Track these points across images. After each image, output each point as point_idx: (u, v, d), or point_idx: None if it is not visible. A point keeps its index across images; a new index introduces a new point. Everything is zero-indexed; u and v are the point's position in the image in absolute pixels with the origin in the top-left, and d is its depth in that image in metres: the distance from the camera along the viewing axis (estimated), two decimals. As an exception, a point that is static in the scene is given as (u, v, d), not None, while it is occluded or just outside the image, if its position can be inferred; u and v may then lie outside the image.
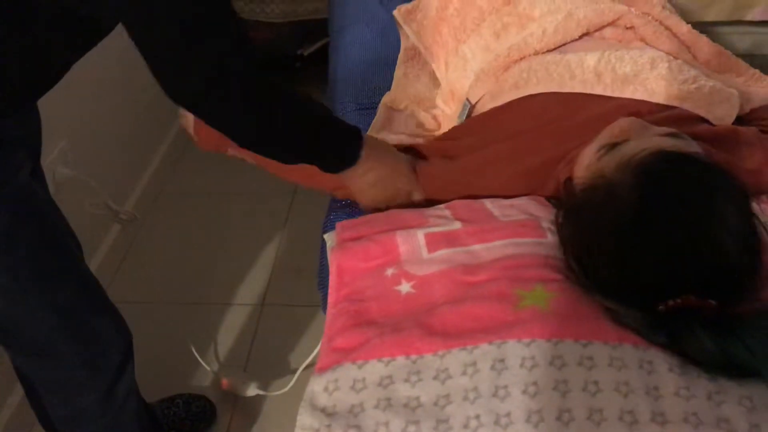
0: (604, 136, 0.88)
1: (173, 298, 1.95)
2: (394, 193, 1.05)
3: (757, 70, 1.28)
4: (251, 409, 1.65)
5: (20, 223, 0.98)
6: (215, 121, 0.92)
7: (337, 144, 1.01)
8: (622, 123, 0.87)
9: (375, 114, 1.40)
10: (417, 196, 1.06)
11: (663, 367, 0.69)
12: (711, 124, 1.03)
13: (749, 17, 2.37)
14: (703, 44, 1.25)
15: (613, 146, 0.84)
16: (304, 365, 1.42)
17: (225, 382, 1.63)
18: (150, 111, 2.16)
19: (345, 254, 0.89)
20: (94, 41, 0.99)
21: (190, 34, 0.81)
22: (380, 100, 1.45)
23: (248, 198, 2.17)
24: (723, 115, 1.03)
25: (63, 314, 1.07)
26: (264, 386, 1.63)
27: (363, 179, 1.03)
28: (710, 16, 2.33)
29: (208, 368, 1.69)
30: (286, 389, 1.49)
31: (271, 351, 1.79)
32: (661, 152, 0.78)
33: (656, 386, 0.67)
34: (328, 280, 1.19)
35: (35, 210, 1.02)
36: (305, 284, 1.96)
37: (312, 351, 1.43)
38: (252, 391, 1.61)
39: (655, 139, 0.82)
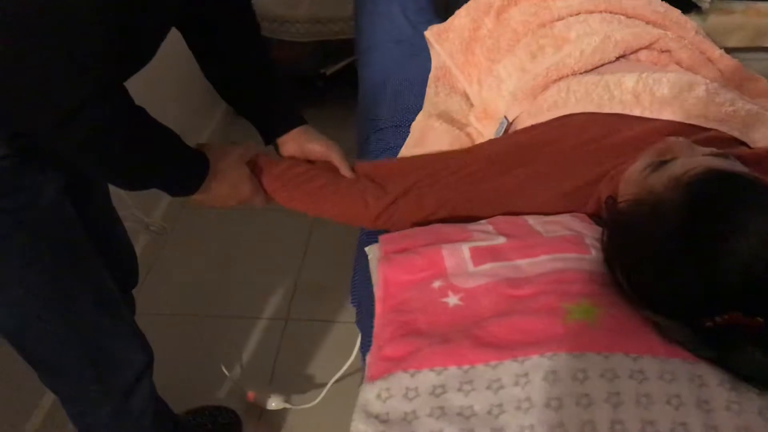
0: (651, 154, 0.90)
1: (198, 311, 1.97)
2: (232, 202, 1.11)
3: (788, 96, 1.29)
4: (276, 422, 1.66)
5: (41, 242, 0.99)
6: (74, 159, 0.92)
7: (185, 173, 1.03)
8: (669, 142, 0.89)
9: (407, 131, 1.43)
10: (257, 201, 1.13)
11: (713, 381, 0.70)
12: (747, 146, 1.04)
13: (771, 44, 2.41)
14: (736, 69, 1.27)
15: (660, 164, 0.86)
16: (333, 380, 1.44)
17: (251, 394, 1.64)
18: (176, 124, 2.20)
19: (391, 266, 0.90)
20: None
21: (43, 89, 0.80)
22: (411, 117, 1.47)
23: (272, 213, 2.20)
24: (760, 137, 1.05)
25: (77, 333, 1.09)
26: (288, 399, 1.65)
27: (203, 195, 1.06)
28: (732, 42, 2.36)
29: (233, 381, 1.70)
30: (315, 402, 1.50)
31: (296, 365, 1.81)
32: (711, 171, 0.79)
33: (707, 400, 0.68)
34: (362, 294, 1.21)
35: (59, 229, 1.02)
36: (328, 300, 1.99)
37: (337, 365, 1.44)
38: (278, 404, 1.62)
39: (704, 159, 0.83)
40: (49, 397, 1.58)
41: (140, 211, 1.77)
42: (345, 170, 1.15)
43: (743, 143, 1.05)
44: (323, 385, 1.71)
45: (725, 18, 2.42)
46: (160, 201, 2.20)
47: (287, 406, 1.62)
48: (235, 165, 1.09)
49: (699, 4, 2.41)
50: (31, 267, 1.00)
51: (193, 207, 1.10)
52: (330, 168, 1.16)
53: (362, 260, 1.23)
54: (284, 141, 1.18)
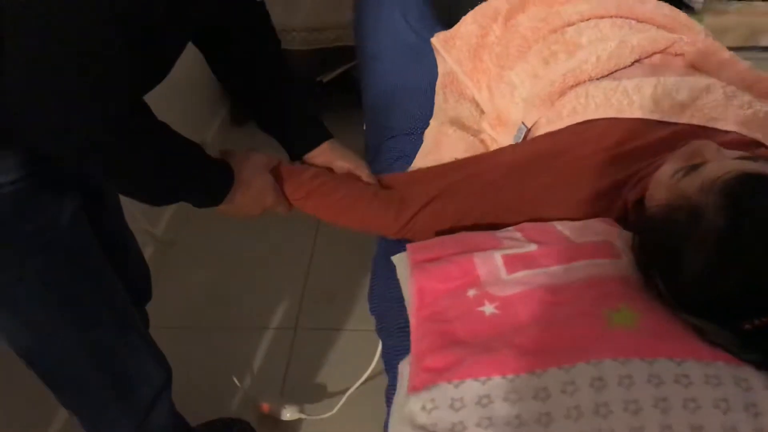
0: (679, 158, 0.90)
1: (205, 322, 1.96)
2: (257, 211, 1.10)
3: (796, 96, 1.31)
4: (290, 433, 1.66)
5: (59, 263, 0.98)
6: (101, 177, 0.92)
7: (211, 185, 1.02)
8: (697, 145, 0.89)
9: (419, 139, 1.43)
10: (281, 209, 1.13)
11: (758, 384, 0.70)
12: (767, 147, 1.05)
13: (764, 43, 2.44)
14: (747, 71, 1.28)
15: (691, 168, 0.86)
16: (353, 389, 1.43)
17: (266, 406, 1.63)
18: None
19: (424, 275, 0.90)
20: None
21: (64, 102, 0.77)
22: (422, 124, 1.47)
23: (276, 221, 2.20)
24: (780, 138, 1.06)
25: (95, 353, 1.08)
26: (302, 410, 1.64)
27: (228, 205, 1.05)
28: (726, 42, 2.38)
29: (245, 392, 1.69)
30: (332, 413, 1.49)
31: (307, 375, 1.80)
32: (745, 174, 0.80)
33: (754, 403, 0.69)
34: (382, 302, 1.21)
35: (78, 249, 1.01)
36: (336, 307, 1.98)
37: (349, 374, 1.44)
38: (293, 414, 1.61)
39: (735, 162, 0.84)
40: (63, 414, 1.56)
41: (147, 222, 1.75)
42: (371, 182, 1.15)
43: (762, 145, 1.06)
44: (336, 394, 1.71)
45: (719, 18, 2.44)
46: (164, 211, 2.19)
47: (303, 416, 1.61)
48: (259, 173, 1.09)
49: (691, 5, 2.43)
50: (50, 288, 0.99)
51: (220, 216, 1.09)
52: (352, 177, 1.16)
53: (381, 268, 1.23)
54: (312, 157, 1.17)
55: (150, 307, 1.42)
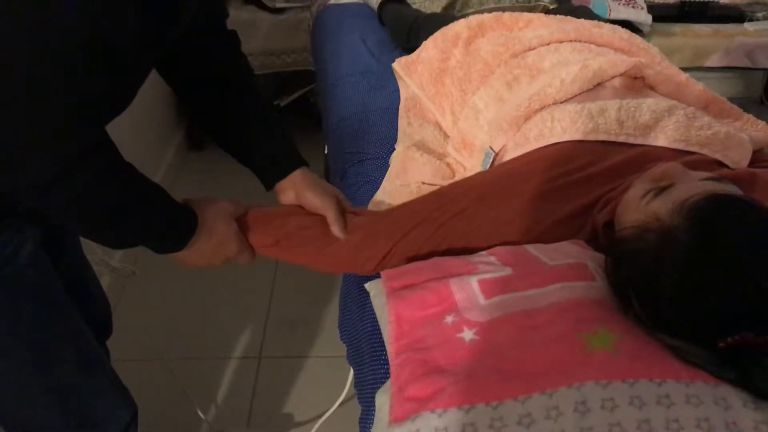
0: (647, 180, 0.92)
1: (166, 354, 1.91)
2: (218, 260, 1.06)
3: (751, 115, 1.35)
4: (258, 464, 1.63)
5: (21, 304, 0.96)
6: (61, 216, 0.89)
7: (173, 231, 0.99)
8: (665, 168, 0.91)
9: (385, 163, 1.43)
10: (243, 259, 1.09)
11: (737, 402, 0.71)
12: (728, 167, 1.08)
13: (708, 63, 2.53)
14: (701, 92, 1.32)
15: (660, 190, 0.88)
16: (323, 419, 1.41)
17: (232, 438, 1.60)
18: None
19: (400, 303, 0.89)
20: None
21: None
22: (388, 148, 1.47)
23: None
24: (738, 158, 1.09)
25: (59, 395, 1.05)
26: (269, 440, 1.61)
27: (189, 252, 1.02)
28: (674, 62, 2.46)
29: (210, 425, 1.66)
30: (302, 443, 1.47)
31: (273, 404, 1.77)
32: (713, 195, 0.82)
33: (734, 421, 0.70)
34: (352, 330, 1.20)
35: (39, 288, 0.99)
36: (300, 335, 1.96)
37: (316, 402, 1.42)
38: (260, 445, 1.58)
39: (703, 183, 0.86)
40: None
41: (104, 253, 1.70)
42: (337, 231, 1.09)
43: (723, 165, 1.09)
44: (304, 423, 1.68)
45: (666, 40, 2.52)
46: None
47: (270, 447, 1.59)
48: (223, 221, 1.04)
49: (641, 28, 2.51)
50: (12, 331, 0.96)
51: (180, 265, 1.05)
52: (320, 218, 1.11)
53: (351, 295, 1.22)
54: (284, 187, 1.12)
55: (110, 340, 1.38)
